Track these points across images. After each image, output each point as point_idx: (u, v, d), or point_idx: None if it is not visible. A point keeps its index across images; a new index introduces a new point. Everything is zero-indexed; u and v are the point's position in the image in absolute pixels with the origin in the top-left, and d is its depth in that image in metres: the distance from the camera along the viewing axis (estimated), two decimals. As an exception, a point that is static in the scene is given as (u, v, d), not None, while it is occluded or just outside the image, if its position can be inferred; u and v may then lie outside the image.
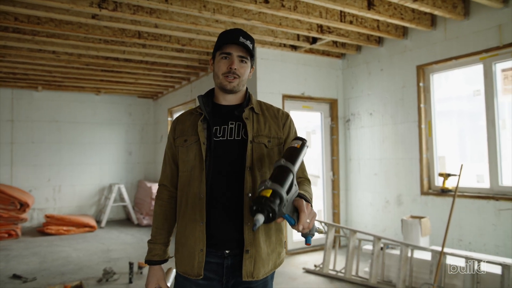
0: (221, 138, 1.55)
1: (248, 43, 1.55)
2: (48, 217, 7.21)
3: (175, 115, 8.10)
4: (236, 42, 1.52)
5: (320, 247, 5.31)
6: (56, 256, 5.51)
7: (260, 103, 1.68)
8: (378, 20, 4.45)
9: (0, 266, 4.99)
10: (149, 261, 1.64)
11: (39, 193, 7.76)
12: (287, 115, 1.69)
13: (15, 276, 4.51)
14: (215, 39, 4.75)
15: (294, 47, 5.29)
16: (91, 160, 8.24)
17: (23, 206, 6.80)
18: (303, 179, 1.63)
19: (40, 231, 7.15)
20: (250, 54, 1.57)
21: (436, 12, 3.95)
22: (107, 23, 4.09)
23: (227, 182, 1.53)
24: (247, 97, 1.65)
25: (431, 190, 4.59)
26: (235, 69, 1.54)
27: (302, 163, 1.66)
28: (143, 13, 3.87)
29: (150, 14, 3.90)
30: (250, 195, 1.50)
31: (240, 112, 1.58)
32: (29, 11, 3.74)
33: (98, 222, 7.94)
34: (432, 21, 4.44)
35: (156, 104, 8.98)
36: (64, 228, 7.08)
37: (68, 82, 7.21)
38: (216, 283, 1.54)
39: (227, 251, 1.52)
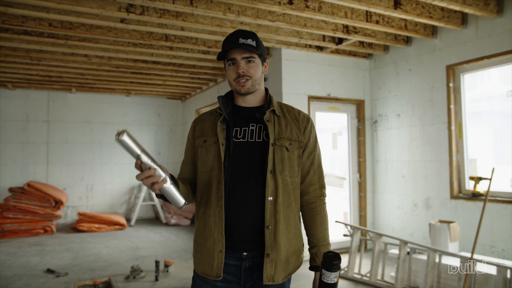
0: (241, 140, 1.54)
1: (249, 41, 1.51)
2: (81, 214, 7.47)
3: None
4: (236, 46, 1.49)
5: (345, 250, 5.24)
6: (88, 252, 5.70)
7: (281, 105, 1.66)
8: (405, 20, 4.35)
9: (36, 261, 5.22)
10: None
11: (72, 191, 8.06)
12: (308, 119, 1.66)
13: (49, 271, 4.71)
14: (240, 41, 4.78)
15: (319, 48, 5.25)
16: (121, 159, 8.47)
17: (58, 203, 7.08)
18: (317, 192, 1.63)
19: (74, 228, 7.43)
20: (255, 51, 1.53)
21: (466, 10, 3.82)
22: (135, 27, 4.20)
23: (247, 184, 1.51)
24: (268, 99, 1.63)
25: (461, 194, 4.44)
26: (243, 72, 1.52)
27: (320, 167, 1.66)
28: (169, 16, 3.95)
29: (176, 17, 3.98)
30: (270, 198, 1.49)
31: (261, 114, 1.56)
32: (62, 17, 3.89)
33: (128, 220, 8.16)
34: (463, 19, 4.29)
35: (184, 105, 9.13)
36: (96, 225, 7.32)
37: (99, 84, 7.45)
38: (235, 285, 1.54)
39: (245, 253, 1.52)
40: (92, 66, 5.93)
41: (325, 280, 1.36)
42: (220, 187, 1.49)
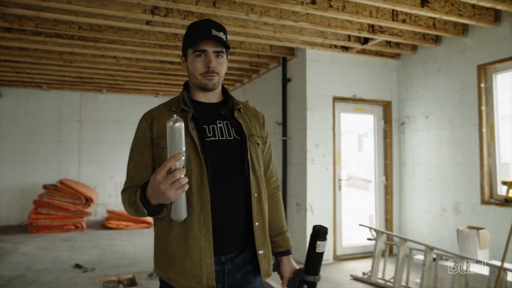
0: (212, 138, 1.44)
1: (221, 35, 1.43)
2: (110, 212, 7.68)
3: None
4: (209, 37, 1.40)
5: (371, 254, 5.13)
6: (115, 249, 5.85)
7: (238, 101, 1.61)
8: (433, 18, 4.21)
9: (66, 256, 5.41)
10: (143, 201, 1.28)
11: (102, 189, 8.30)
12: (263, 115, 1.68)
13: (77, 266, 4.86)
14: (264, 41, 4.77)
15: (345, 48, 5.17)
16: (149, 159, 8.62)
17: (88, 201, 7.31)
18: (276, 183, 1.69)
19: (103, 225, 7.64)
20: (225, 47, 1.45)
21: (499, 7, 3.65)
22: (160, 29, 4.27)
23: (229, 184, 1.44)
24: (228, 95, 1.58)
25: (492, 199, 4.24)
26: (214, 67, 1.43)
27: (274, 160, 1.72)
28: (193, 17, 3.99)
29: (199, 18, 4.02)
30: (256, 195, 1.47)
31: (227, 111, 1.52)
32: (90, 20, 4.01)
33: (155, 218, 8.30)
34: (496, 16, 4.10)
35: (211, 106, 9.19)
36: (124, 223, 7.50)
37: (129, 85, 7.64)
38: None
39: (222, 257, 1.44)
40: (121, 68, 6.08)
41: (319, 250, 1.44)
42: (205, 192, 1.37)
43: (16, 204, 7.81)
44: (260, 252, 1.47)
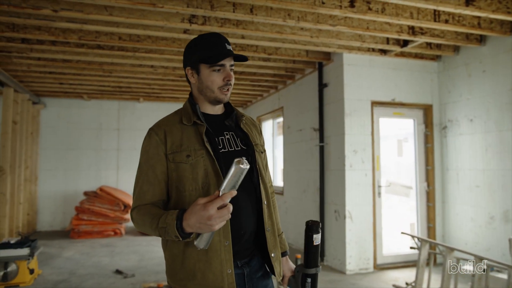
0: (223, 150, 1.48)
1: (231, 48, 1.49)
2: (147, 218, 7.79)
3: (264, 123, 8.23)
4: (228, 54, 1.44)
5: (413, 264, 4.94)
6: (153, 255, 5.93)
7: (242, 113, 1.67)
8: (479, 17, 4.04)
9: (106, 261, 5.54)
10: (179, 230, 1.26)
11: (140, 196, 8.46)
12: (258, 123, 1.76)
13: (117, 271, 4.96)
14: (300, 47, 4.74)
15: (383, 51, 5.05)
16: (185, 166, 8.74)
17: (126, 207, 7.47)
18: (272, 189, 1.70)
19: (141, 231, 7.76)
20: (236, 60, 1.51)
21: (551, 3, 3.47)
22: (197, 37, 4.31)
23: (242, 194, 1.42)
24: (230, 106, 1.62)
25: (547, 207, 4.00)
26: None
27: (267, 165, 1.74)
28: (230, 25, 4.02)
29: (236, 25, 4.04)
30: (265, 202, 1.52)
31: (230, 122, 1.58)
32: (130, 30, 4.12)
33: (191, 225, 8.37)
34: (547, 13, 3.89)
35: (246, 112, 9.21)
36: (161, 229, 7.59)
37: (165, 94, 7.78)
38: None
39: (238, 262, 1.48)
40: (158, 76, 6.21)
41: (316, 243, 1.50)
42: None
43: (58, 210, 8.11)
44: (272, 255, 1.52)
